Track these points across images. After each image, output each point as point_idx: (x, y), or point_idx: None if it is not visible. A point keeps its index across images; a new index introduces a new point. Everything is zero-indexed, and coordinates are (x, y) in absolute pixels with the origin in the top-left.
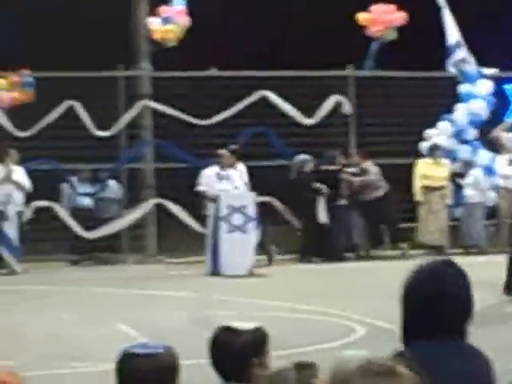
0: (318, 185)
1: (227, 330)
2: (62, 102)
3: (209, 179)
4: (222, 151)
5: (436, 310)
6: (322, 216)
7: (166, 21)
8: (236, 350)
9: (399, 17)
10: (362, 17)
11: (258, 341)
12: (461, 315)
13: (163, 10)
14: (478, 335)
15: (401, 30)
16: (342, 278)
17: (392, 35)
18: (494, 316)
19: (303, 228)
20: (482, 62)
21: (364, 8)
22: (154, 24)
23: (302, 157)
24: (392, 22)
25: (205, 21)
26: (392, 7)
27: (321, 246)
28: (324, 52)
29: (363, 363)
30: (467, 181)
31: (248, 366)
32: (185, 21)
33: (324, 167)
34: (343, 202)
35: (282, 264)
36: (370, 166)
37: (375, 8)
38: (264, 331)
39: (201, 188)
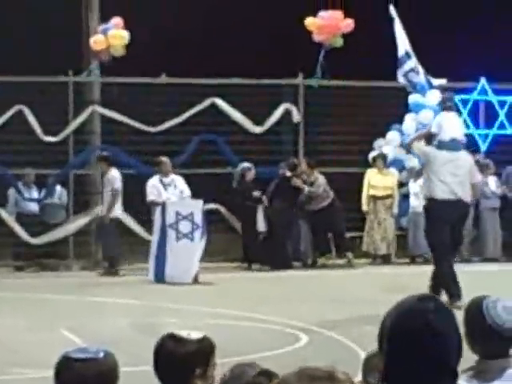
0: (256, 193)
1: (172, 339)
2: (11, 106)
3: (155, 188)
4: (162, 158)
5: (421, 346)
6: (261, 225)
7: (105, 32)
8: (179, 360)
9: (347, 24)
10: (309, 22)
11: (203, 351)
12: (450, 353)
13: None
14: None
15: (353, 39)
16: (288, 285)
17: (338, 42)
18: None
19: (243, 236)
20: (431, 72)
21: (313, 14)
22: (97, 37)
23: (243, 165)
24: (339, 29)
25: (156, 27)
26: (340, 14)
27: (263, 254)
28: (275, 60)
29: (301, 368)
30: (412, 190)
31: (191, 376)
32: (122, 32)
33: (288, 174)
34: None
35: (228, 271)
36: (318, 177)
37: (323, 14)
38: (211, 342)
39: (150, 198)
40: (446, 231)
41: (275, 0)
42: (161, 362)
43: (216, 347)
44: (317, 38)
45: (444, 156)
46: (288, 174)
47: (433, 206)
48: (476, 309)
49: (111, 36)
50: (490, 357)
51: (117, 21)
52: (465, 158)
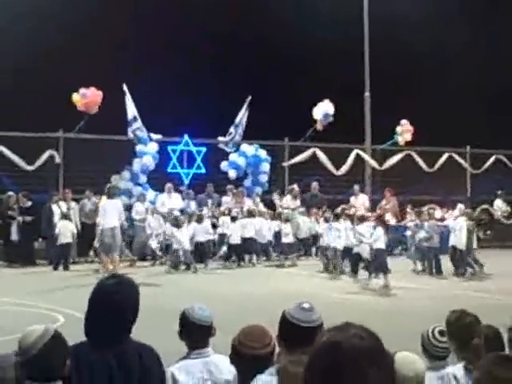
0: (10, 213)
1: None
2: None
3: None
4: None
5: (102, 313)
6: (14, 235)
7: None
8: None
9: (99, 95)
10: (74, 98)
11: None
12: (128, 317)
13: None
14: None
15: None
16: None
17: (95, 111)
18: None
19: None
20: (152, 129)
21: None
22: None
23: (8, 193)
24: (95, 102)
25: None
26: (95, 90)
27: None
28: (44, 116)
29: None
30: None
31: None
32: None
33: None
34: None
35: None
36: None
37: (82, 90)
38: None
39: None
40: None
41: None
42: None
43: None
44: (79, 107)
45: None
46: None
47: None
48: None
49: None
50: None
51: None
52: None
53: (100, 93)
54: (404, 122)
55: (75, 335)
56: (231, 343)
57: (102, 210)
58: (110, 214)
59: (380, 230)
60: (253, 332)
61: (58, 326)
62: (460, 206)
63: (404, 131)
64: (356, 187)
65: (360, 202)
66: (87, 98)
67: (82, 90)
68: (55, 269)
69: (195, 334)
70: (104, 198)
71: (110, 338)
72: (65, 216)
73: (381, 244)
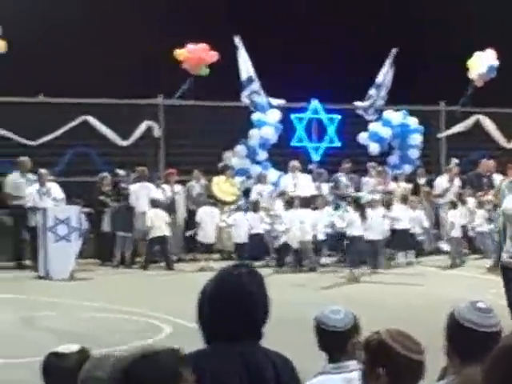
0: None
1: (54, 356)
2: None
3: (33, 196)
4: (42, 170)
5: (232, 309)
6: (106, 226)
7: None
8: (65, 373)
9: (211, 55)
10: (179, 53)
11: (82, 361)
12: (258, 315)
13: None
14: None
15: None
16: (152, 282)
17: (204, 72)
18: None
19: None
20: (271, 93)
21: (182, 45)
22: None
23: (100, 174)
24: (205, 60)
25: (37, 49)
26: (206, 46)
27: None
28: (141, 82)
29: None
30: None
31: None
32: None
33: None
34: None
35: (97, 269)
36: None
37: (191, 46)
38: (87, 351)
39: (29, 204)
40: None
41: (147, 31)
42: (50, 381)
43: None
44: (185, 66)
45: None
46: None
47: None
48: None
49: None
50: None
51: None
52: None
53: (206, 47)
54: None
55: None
56: (375, 338)
57: None
58: None
59: None
60: (405, 333)
61: (164, 337)
62: None
63: None
64: None
65: None
66: (195, 54)
67: (190, 46)
68: (144, 268)
69: (331, 343)
70: (217, 179)
71: (237, 341)
72: (154, 203)
73: None
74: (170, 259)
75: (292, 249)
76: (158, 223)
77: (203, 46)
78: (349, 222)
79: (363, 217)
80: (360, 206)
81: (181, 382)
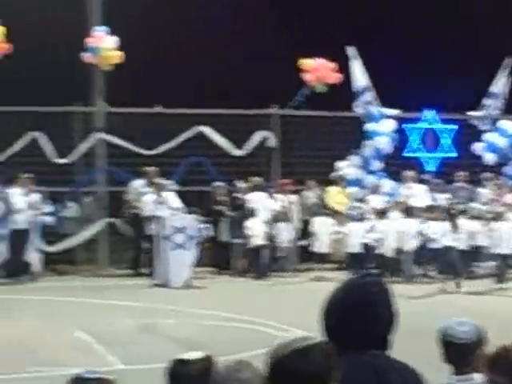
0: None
1: (179, 363)
2: (26, 133)
3: (150, 205)
4: (157, 180)
5: (360, 319)
6: (223, 235)
7: (93, 50)
8: (191, 380)
9: (335, 77)
10: (305, 62)
11: (206, 368)
12: (385, 325)
13: (87, 40)
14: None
15: None
16: (267, 291)
17: (321, 89)
18: None
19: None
20: (386, 103)
21: (296, 56)
22: (87, 57)
23: (214, 184)
24: (327, 78)
25: (153, 64)
26: (333, 66)
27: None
28: (255, 92)
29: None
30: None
31: None
32: (108, 42)
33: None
34: None
35: (213, 277)
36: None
37: (320, 60)
38: (211, 359)
39: (146, 213)
40: None
41: (269, 41)
42: None
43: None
44: (306, 77)
45: None
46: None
47: None
48: None
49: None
50: None
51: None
52: None
53: (332, 66)
54: None
55: None
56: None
57: None
58: None
59: None
60: None
61: None
62: None
63: None
64: None
65: None
66: (321, 69)
67: (319, 59)
68: (257, 277)
69: (457, 355)
70: (331, 189)
71: (365, 351)
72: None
73: None
74: (264, 268)
75: (386, 258)
76: (257, 232)
77: (331, 64)
78: (442, 232)
79: (455, 227)
80: (452, 216)
81: (332, 377)
